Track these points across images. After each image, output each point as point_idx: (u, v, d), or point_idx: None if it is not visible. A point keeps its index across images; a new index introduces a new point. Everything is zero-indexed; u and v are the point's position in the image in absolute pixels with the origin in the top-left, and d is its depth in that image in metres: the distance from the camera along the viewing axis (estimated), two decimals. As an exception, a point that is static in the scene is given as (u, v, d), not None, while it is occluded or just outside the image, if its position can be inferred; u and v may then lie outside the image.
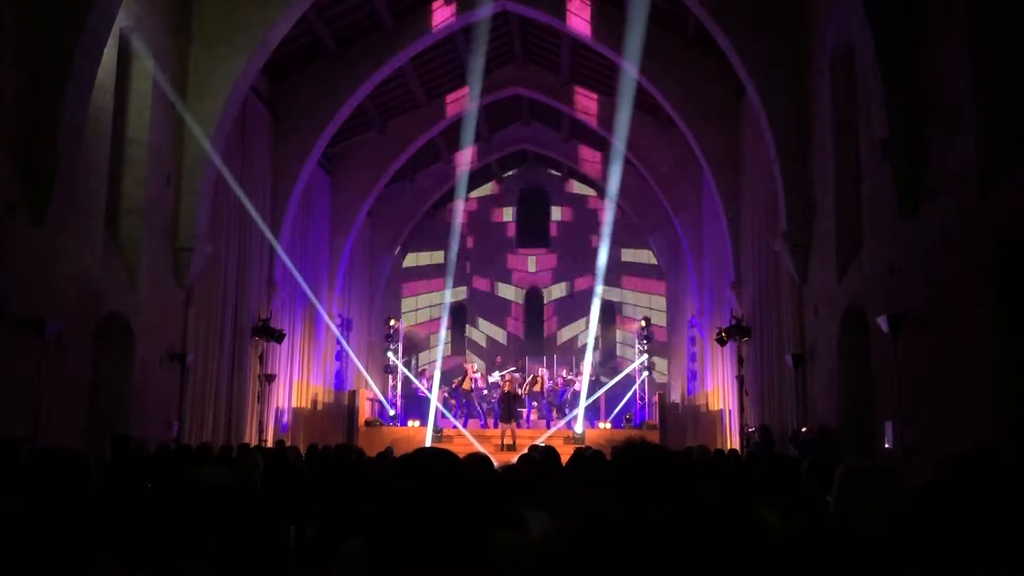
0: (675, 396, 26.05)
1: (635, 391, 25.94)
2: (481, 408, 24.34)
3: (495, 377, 25.14)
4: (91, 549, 2.35)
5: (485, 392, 24.74)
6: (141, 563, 3.02)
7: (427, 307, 31.53)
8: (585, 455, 7.37)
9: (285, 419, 20.09)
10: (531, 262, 31.87)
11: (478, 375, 24.94)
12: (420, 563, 1.69)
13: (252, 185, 18.39)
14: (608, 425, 24.10)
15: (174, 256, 15.34)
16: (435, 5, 19.68)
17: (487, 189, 31.85)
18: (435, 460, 1.87)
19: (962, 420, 9.00)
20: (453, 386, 24.32)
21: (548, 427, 22.95)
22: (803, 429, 14.13)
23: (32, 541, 2.28)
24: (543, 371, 25.47)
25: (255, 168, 18.68)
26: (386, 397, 26.04)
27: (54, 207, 11.30)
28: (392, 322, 26.59)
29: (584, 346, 25.64)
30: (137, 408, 13.69)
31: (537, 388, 24.29)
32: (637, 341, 26.63)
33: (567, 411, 23.96)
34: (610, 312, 30.37)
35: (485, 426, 23.54)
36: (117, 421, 13.01)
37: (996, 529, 2.91)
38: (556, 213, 32.03)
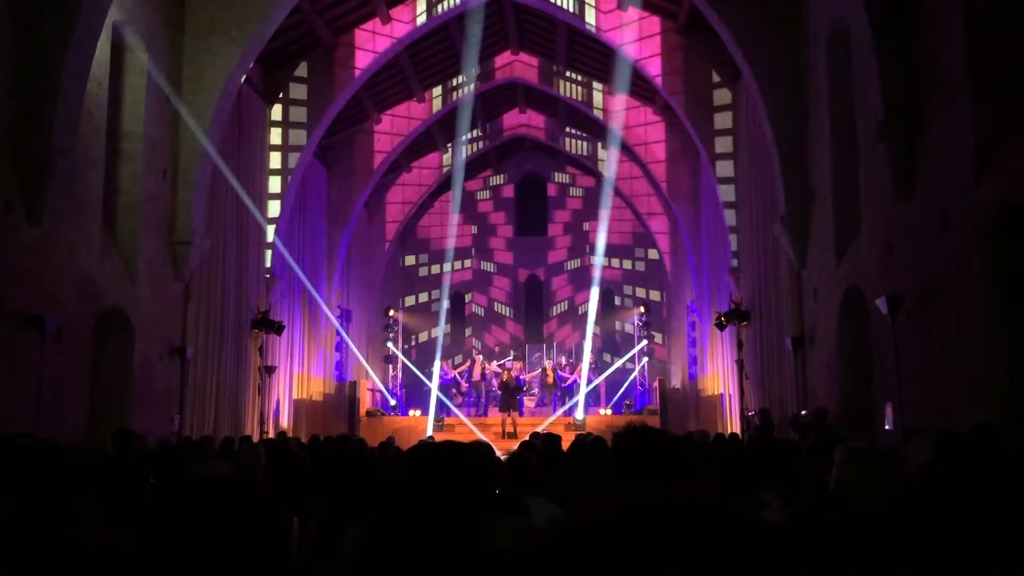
0: (675, 381, 26.10)
1: (635, 377, 26.02)
2: (485, 397, 24.41)
3: (494, 366, 25.21)
4: (91, 544, 2.36)
5: (477, 382, 24.83)
6: (143, 557, 3.02)
7: (426, 296, 31.49)
8: (586, 441, 7.39)
9: (276, 411, 20.09)
10: (529, 249, 31.84)
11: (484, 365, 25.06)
12: (421, 551, 1.70)
13: (248, 177, 18.36)
14: (609, 411, 24.15)
15: (172, 250, 15.31)
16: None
17: (484, 177, 31.81)
18: (438, 449, 1.88)
19: (962, 401, 9.01)
20: (468, 377, 24.45)
21: (554, 412, 23.01)
22: (802, 412, 14.16)
23: (29, 536, 2.28)
24: (550, 363, 25.51)
25: (251, 160, 18.64)
26: (387, 387, 26.11)
27: (50, 203, 11.27)
28: (391, 313, 26.66)
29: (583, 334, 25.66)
30: (138, 402, 13.70)
31: (550, 381, 24.37)
32: (636, 327, 26.69)
33: (567, 398, 24.04)
34: (609, 299, 30.38)
35: (484, 415, 23.63)
36: (118, 416, 13.01)
37: (995, 508, 2.92)
38: (554, 200, 31.99)
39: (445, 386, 24.62)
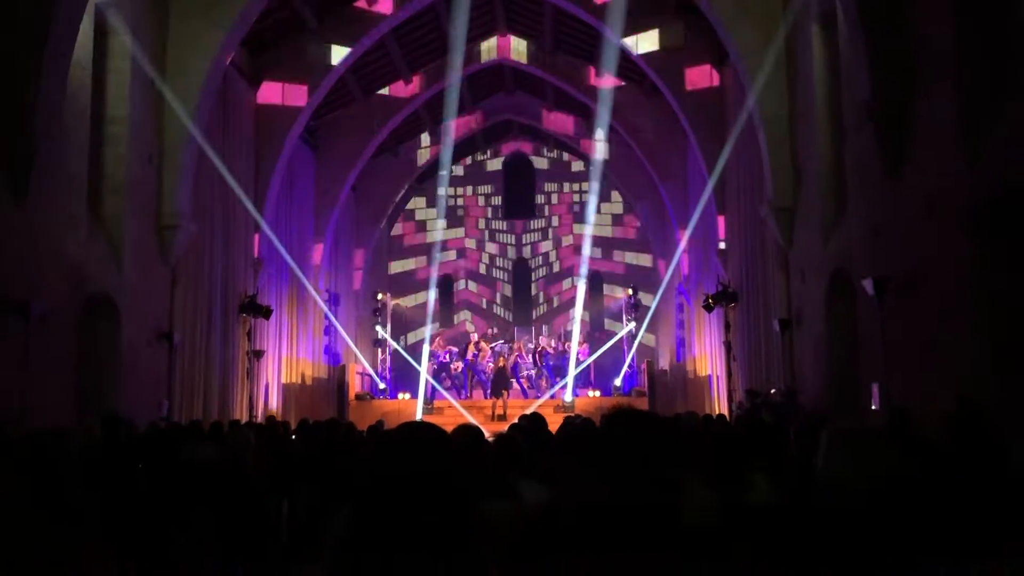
0: (663, 363, 26.17)
1: (624, 359, 26.09)
2: (480, 379, 24.45)
3: (488, 348, 25.24)
4: (80, 530, 2.35)
5: (455, 364, 24.87)
6: (133, 543, 3.02)
7: (414, 280, 31.43)
8: (575, 423, 7.42)
9: (265, 396, 20.07)
10: (517, 232, 31.79)
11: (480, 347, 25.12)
12: (406, 536, 1.70)
13: (235, 161, 18.25)
14: (597, 393, 24.22)
15: (158, 234, 15.23)
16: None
17: (472, 159, 31.71)
18: (418, 433, 1.87)
19: (947, 381, 9.08)
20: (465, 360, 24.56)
21: (539, 395, 23.09)
22: (772, 391, 14.25)
23: (21, 523, 2.28)
24: (543, 340, 25.66)
25: (237, 143, 18.52)
26: (376, 371, 26.12)
27: (34, 188, 11.17)
28: (380, 296, 26.62)
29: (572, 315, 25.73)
30: (126, 388, 13.65)
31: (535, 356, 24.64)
32: (624, 309, 26.74)
33: (556, 380, 24.13)
34: (597, 281, 30.40)
35: (468, 397, 23.74)
36: (106, 401, 12.98)
37: (984, 487, 2.95)
38: (541, 183, 31.92)
39: (441, 365, 24.66)
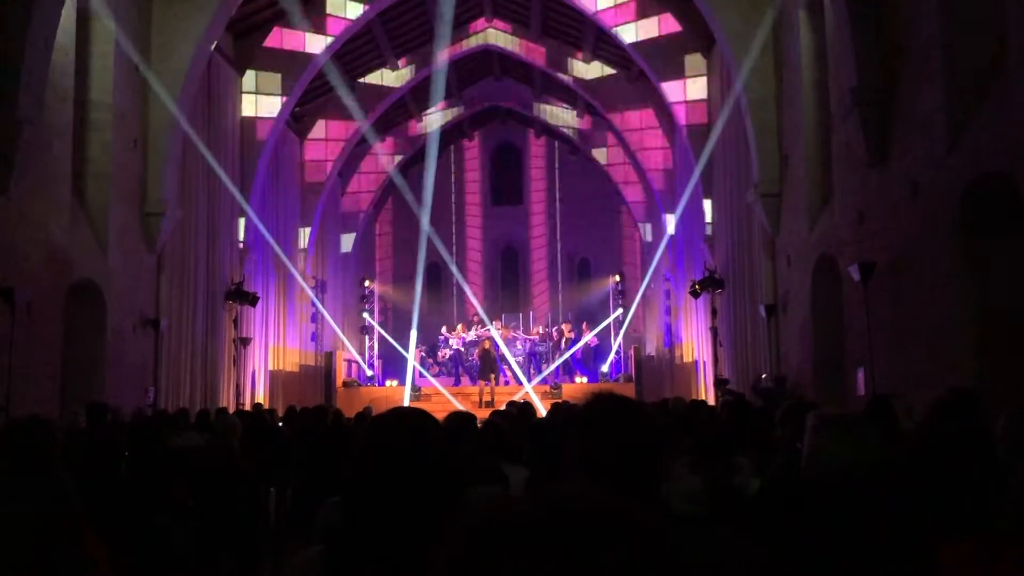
0: (651, 349, 26.25)
1: (611, 345, 26.17)
2: (465, 366, 24.49)
3: (472, 335, 25.27)
4: (61, 517, 2.35)
5: (463, 350, 24.89)
6: (120, 530, 3.02)
7: (402, 267, 31.36)
8: (562, 410, 7.45)
9: (252, 383, 20.03)
10: (505, 218, 31.73)
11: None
12: (397, 522, 1.70)
13: (220, 147, 18.14)
14: (585, 379, 24.29)
15: (143, 221, 15.14)
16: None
17: (459, 146, 31.60)
18: (408, 418, 1.87)
19: (931, 366, 9.15)
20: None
21: (528, 382, 23.17)
22: (762, 376, 14.31)
23: (6, 510, 2.27)
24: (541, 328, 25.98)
25: (222, 129, 18.40)
26: (364, 358, 26.11)
27: (18, 174, 11.07)
28: (367, 283, 26.59)
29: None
30: (112, 375, 13.61)
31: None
32: (611, 296, 26.79)
33: (544, 366, 24.21)
34: (584, 268, 30.42)
35: (458, 384, 23.77)
36: (92, 389, 12.92)
37: (973, 474, 2.97)
38: (528, 169, 31.85)
39: (455, 353, 24.87)
